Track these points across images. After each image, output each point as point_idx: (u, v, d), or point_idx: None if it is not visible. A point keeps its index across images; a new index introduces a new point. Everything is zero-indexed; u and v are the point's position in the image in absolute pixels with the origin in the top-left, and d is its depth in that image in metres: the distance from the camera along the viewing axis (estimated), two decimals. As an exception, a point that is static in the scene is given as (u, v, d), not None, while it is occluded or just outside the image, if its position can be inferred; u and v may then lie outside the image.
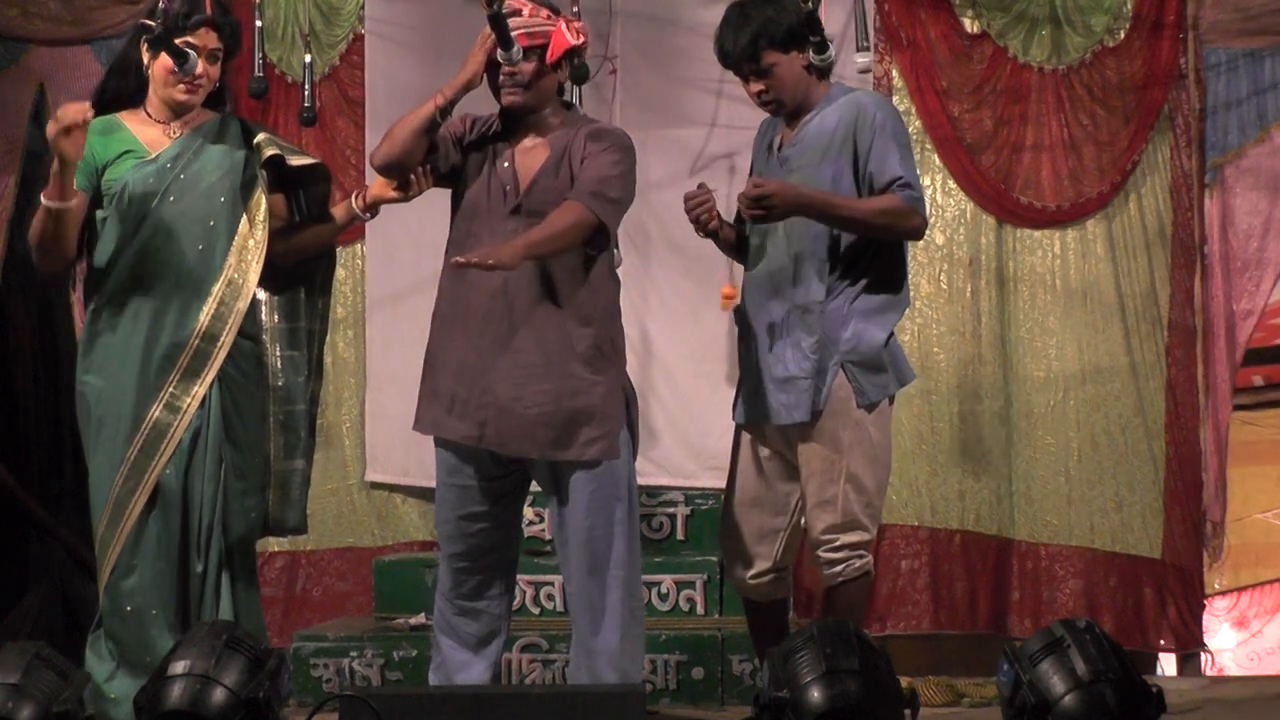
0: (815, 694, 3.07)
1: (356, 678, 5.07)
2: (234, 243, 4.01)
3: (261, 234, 4.04)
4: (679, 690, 4.97)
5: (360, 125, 6.10)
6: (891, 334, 4.04)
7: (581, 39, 4.03)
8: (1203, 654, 5.80)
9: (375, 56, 6.09)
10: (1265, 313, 5.83)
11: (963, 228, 5.93)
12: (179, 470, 3.94)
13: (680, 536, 5.49)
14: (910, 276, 4.22)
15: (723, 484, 4.32)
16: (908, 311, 4.47)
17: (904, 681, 3.40)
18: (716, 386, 5.67)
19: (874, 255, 4.02)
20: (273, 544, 5.89)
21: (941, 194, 5.92)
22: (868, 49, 4.76)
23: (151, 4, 4.08)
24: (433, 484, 4.15)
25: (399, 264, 5.97)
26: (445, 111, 3.93)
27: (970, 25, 5.91)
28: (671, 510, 5.52)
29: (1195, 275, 5.78)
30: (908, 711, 3.18)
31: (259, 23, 5.10)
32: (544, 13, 3.97)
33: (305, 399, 4.24)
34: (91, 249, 4.03)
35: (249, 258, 4.02)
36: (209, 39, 3.98)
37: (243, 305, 4.00)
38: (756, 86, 4.04)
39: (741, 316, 4.17)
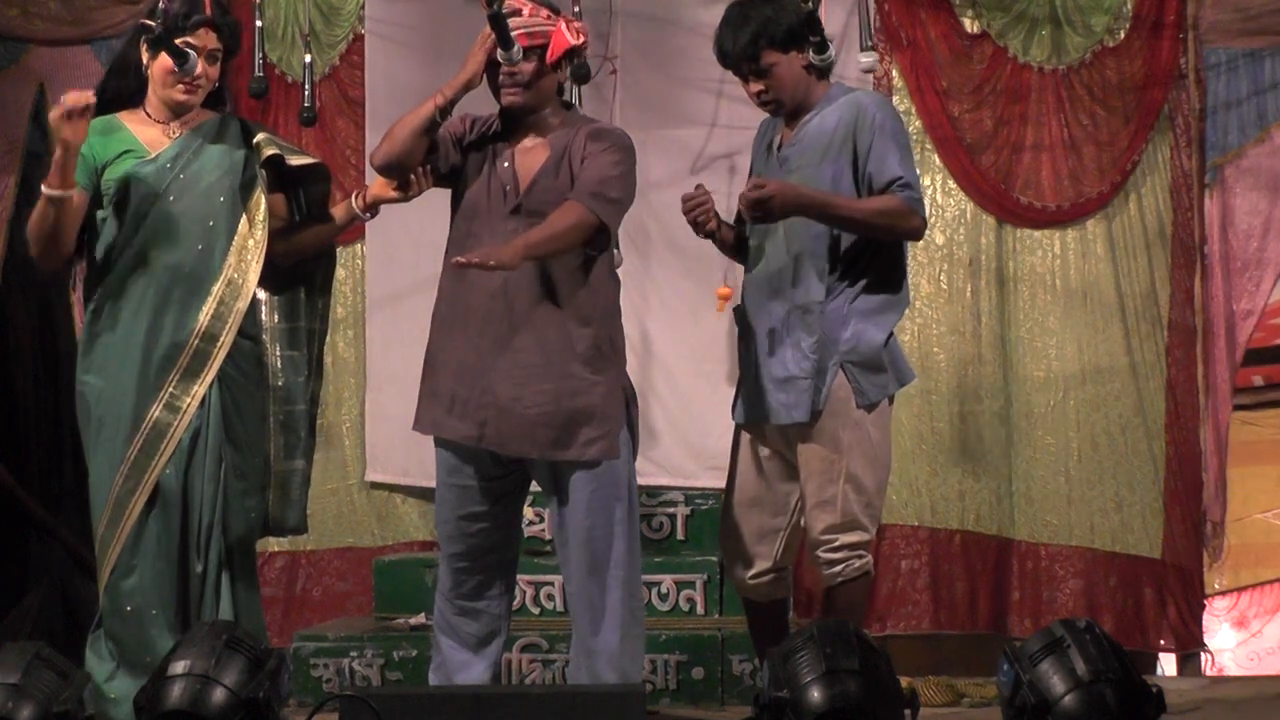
0: (815, 694, 3.07)
1: (356, 678, 5.06)
2: (234, 243, 4.01)
3: (261, 234, 4.04)
4: (679, 690, 4.96)
5: (360, 125, 6.09)
6: (891, 334, 4.03)
7: (581, 39, 4.02)
8: (1203, 654, 5.80)
9: (375, 56, 6.09)
10: (1265, 313, 5.83)
11: (963, 228, 5.92)
12: (179, 470, 3.94)
13: (680, 536, 5.49)
14: (910, 276, 4.22)
15: (723, 484, 4.31)
16: (908, 311, 4.48)
17: (904, 681, 3.40)
18: (716, 386, 5.66)
19: (873, 255, 4.01)
20: (273, 544, 5.89)
21: (941, 194, 5.92)
22: (872, 48, 4.76)
23: (151, 4, 4.08)
24: (433, 484, 4.14)
25: (399, 264, 5.96)
26: (445, 111, 3.92)
27: (970, 25, 5.91)
28: (671, 510, 5.51)
29: (1195, 275, 5.78)
30: (908, 711, 3.18)
31: (259, 23, 5.12)
32: (544, 13, 3.96)
33: (305, 399, 4.24)
34: (91, 249, 4.03)
35: (249, 257, 4.02)
36: (208, 39, 3.98)
37: (242, 305, 4.00)
38: (756, 86, 4.04)
39: (741, 317, 4.16)
